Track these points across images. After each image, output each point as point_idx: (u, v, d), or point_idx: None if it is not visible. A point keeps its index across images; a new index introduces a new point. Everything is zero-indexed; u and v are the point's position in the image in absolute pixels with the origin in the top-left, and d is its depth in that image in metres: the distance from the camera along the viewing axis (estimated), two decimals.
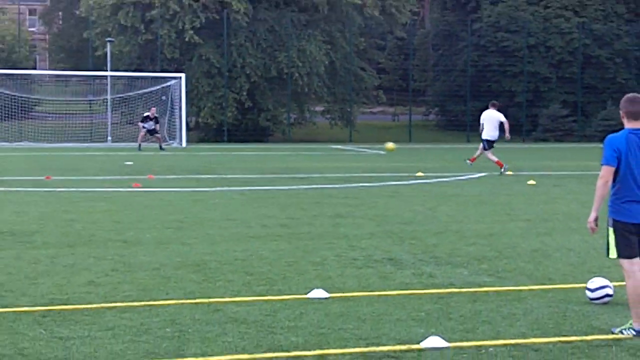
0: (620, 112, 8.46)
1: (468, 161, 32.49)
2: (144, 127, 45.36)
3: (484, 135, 30.80)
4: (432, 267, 11.93)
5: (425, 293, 10.26)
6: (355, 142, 55.24)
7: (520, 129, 61.80)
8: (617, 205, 8.33)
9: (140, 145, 44.97)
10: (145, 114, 45.70)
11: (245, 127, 55.98)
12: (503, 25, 64.16)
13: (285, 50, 55.00)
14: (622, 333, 8.24)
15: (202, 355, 7.51)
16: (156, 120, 45.93)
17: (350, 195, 21.79)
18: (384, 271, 11.62)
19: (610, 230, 8.41)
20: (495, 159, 30.48)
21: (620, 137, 8.29)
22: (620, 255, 8.36)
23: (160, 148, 45.02)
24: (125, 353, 7.57)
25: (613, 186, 8.34)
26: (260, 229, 15.43)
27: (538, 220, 17.26)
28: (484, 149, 30.80)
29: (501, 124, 31.12)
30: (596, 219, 8.49)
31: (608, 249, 8.49)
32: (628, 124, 8.34)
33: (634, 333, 8.17)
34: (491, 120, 31.06)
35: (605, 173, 8.30)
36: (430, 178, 27.27)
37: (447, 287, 10.59)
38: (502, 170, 29.65)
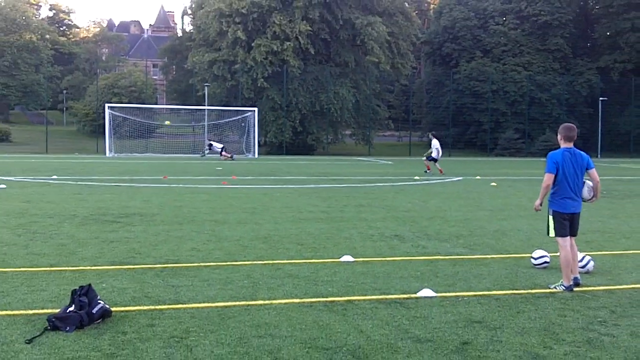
0: (558, 135, 8.54)
1: (438, 169, 32.28)
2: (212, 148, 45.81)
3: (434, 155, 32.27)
4: (425, 241, 11.85)
5: (420, 259, 10.19)
6: (372, 155, 55.06)
7: (485, 147, 61.50)
8: (556, 200, 8.42)
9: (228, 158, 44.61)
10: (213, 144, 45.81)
11: (298, 145, 55.97)
12: (475, 76, 63.88)
13: (325, 92, 54.94)
14: (555, 288, 8.21)
15: (269, 299, 7.53)
16: (210, 146, 46.11)
17: (369, 191, 21.71)
18: (392, 244, 11.56)
19: (551, 217, 8.43)
20: (427, 163, 32.43)
21: (558, 153, 8.33)
22: (557, 234, 8.36)
23: (232, 158, 44.45)
24: (216, 296, 7.60)
25: (553, 187, 8.37)
26: (308, 214, 15.39)
27: (498, 210, 17.09)
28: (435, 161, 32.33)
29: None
30: (540, 204, 8.63)
31: (548, 230, 8.58)
32: (564, 145, 8.39)
33: (564, 288, 8.18)
34: (435, 144, 32.19)
35: (547, 178, 8.41)
36: (424, 180, 27.10)
37: (435, 255, 10.52)
38: (426, 171, 31.97)
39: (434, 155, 32.12)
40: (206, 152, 47.00)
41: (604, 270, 9.59)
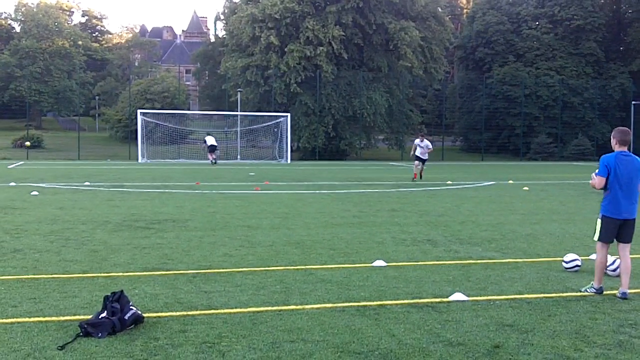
0: (613, 140, 8.39)
1: (418, 177, 29.58)
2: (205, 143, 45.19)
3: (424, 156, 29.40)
4: (457, 246, 11.83)
5: (452, 263, 10.18)
6: (405, 160, 54.92)
7: (518, 151, 61.02)
8: (608, 205, 8.30)
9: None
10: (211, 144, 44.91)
11: (331, 150, 55.94)
12: (507, 80, 63.45)
13: (358, 98, 54.87)
14: (586, 291, 8.15)
15: (301, 304, 7.57)
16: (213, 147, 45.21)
17: (402, 196, 21.68)
18: (424, 248, 11.55)
19: (599, 221, 8.33)
20: (416, 171, 29.66)
21: (611, 156, 8.28)
22: (600, 239, 8.34)
23: (213, 162, 44.18)
24: (248, 302, 7.66)
25: (605, 191, 8.27)
26: (340, 219, 15.41)
27: (530, 214, 16.98)
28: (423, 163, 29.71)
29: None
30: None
31: (594, 233, 8.45)
32: (618, 148, 8.31)
33: (594, 290, 8.10)
34: (424, 145, 29.26)
35: (599, 182, 8.32)
36: (456, 185, 26.99)
37: (467, 259, 10.50)
38: (414, 179, 29.14)
39: (424, 155, 29.27)
40: (202, 145, 46.42)
41: (637, 272, 9.50)
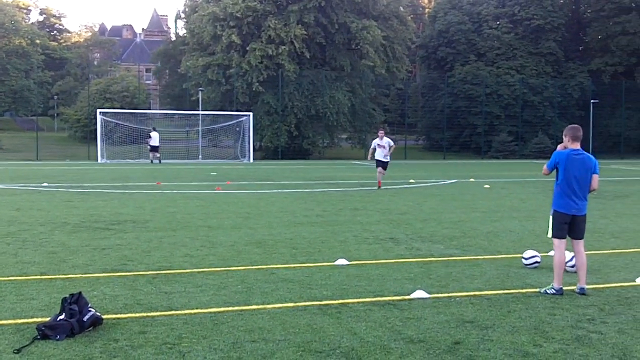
0: (565, 137, 8.48)
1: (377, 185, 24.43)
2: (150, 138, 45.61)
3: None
4: (419, 243, 11.91)
5: (414, 261, 10.25)
6: (368, 159, 55.13)
7: (479, 150, 61.62)
8: (558, 200, 8.40)
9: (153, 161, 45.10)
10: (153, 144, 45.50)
11: (294, 149, 55.91)
12: (469, 79, 64.01)
13: (321, 97, 54.91)
14: (546, 292, 8.23)
15: (263, 304, 7.57)
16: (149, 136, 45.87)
17: (364, 195, 21.76)
18: (387, 246, 11.61)
19: (551, 217, 8.43)
20: (380, 178, 24.47)
21: (563, 153, 8.39)
22: (553, 235, 8.45)
23: (158, 162, 44.76)
24: (209, 302, 7.64)
25: (556, 187, 8.36)
26: (303, 218, 15.43)
27: (491, 211, 17.16)
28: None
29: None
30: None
31: (548, 230, 8.54)
32: (571, 145, 8.41)
33: (554, 291, 8.20)
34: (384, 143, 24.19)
35: (544, 170, 8.60)
36: (419, 183, 27.16)
37: (428, 257, 10.58)
38: (379, 188, 23.92)
39: (386, 157, 24.27)
40: (148, 140, 46.46)
41: (594, 269, 9.67)
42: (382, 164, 24.28)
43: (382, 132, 24.81)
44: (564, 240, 8.37)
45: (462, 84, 63.91)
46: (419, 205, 18.40)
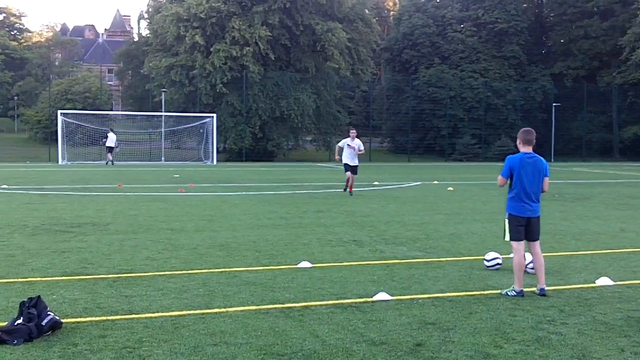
0: (518, 140, 8.63)
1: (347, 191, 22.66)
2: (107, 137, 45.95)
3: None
4: (382, 246, 11.97)
5: (377, 263, 10.29)
6: (333, 161, 55.21)
7: (444, 152, 62.09)
8: (512, 203, 8.50)
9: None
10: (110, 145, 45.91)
11: (258, 151, 55.80)
12: (433, 82, 64.45)
13: (285, 98, 54.93)
14: (507, 294, 8.30)
15: (225, 307, 7.54)
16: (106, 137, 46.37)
17: (329, 197, 21.79)
18: (350, 248, 11.64)
19: (506, 220, 8.50)
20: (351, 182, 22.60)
21: (516, 158, 8.48)
22: (511, 238, 8.51)
23: (111, 163, 44.98)
24: (170, 306, 7.59)
25: (510, 190, 8.47)
26: (266, 221, 15.41)
27: (454, 213, 17.30)
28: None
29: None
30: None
31: (504, 234, 8.61)
32: (523, 148, 8.52)
33: (515, 293, 8.30)
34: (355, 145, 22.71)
35: (500, 181, 8.56)
36: (383, 185, 27.29)
37: (392, 259, 10.63)
38: (349, 192, 22.40)
39: (355, 161, 22.76)
40: (104, 141, 46.71)
41: (554, 270, 9.80)
42: (352, 169, 22.44)
43: (354, 132, 22.96)
44: (522, 242, 8.47)
45: (426, 86, 64.35)
46: (382, 208, 18.48)
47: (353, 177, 22.51)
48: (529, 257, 9.35)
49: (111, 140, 45.70)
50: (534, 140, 8.53)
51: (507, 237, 8.51)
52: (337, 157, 23.46)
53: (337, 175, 33.58)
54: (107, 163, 44.94)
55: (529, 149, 8.49)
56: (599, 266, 10.24)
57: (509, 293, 8.32)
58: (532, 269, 9.30)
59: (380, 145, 70.75)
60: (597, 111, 65.61)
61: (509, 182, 8.49)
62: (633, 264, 10.44)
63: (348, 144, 22.59)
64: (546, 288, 8.41)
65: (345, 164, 22.57)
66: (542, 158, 8.55)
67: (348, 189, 22.52)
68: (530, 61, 68.36)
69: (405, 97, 64.74)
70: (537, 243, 8.59)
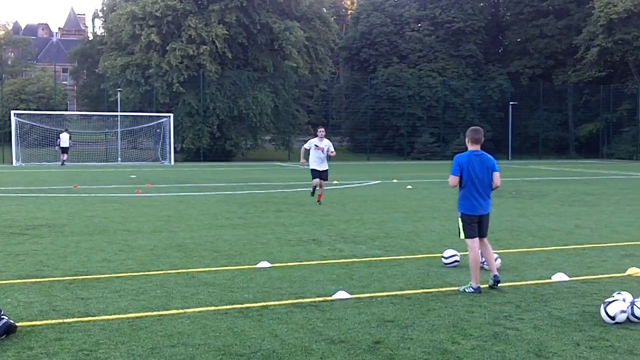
0: (466, 138, 8.78)
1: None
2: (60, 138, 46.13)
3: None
4: (341, 244, 12.01)
5: (336, 262, 10.33)
6: (292, 160, 55.25)
7: (402, 151, 62.36)
8: (464, 202, 8.65)
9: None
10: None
11: (216, 151, 55.52)
12: (392, 81, 64.69)
13: (243, 97, 54.70)
14: (464, 291, 8.41)
15: (182, 308, 7.52)
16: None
17: (288, 196, 21.81)
18: (309, 248, 11.67)
19: (460, 219, 8.61)
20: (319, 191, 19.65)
21: (464, 156, 8.63)
22: (466, 236, 8.63)
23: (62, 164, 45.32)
24: (128, 307, 7.55)
25: (460, 189, 8.59)
26: (225, 221, 15.37)
27: (412, 211, 17.43)
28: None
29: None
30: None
31: (459, 232, 8.72)
32: (471, 147, 8.65)
33: (472, 290, 8.41)
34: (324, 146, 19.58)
35: (452, 180, 8.69)
36: (343, 184, 27.36)
37: (351, 258, 10.69)
38: (318, 201, 19.40)
39: (324, 165, 19.58)
40: (57, 141, 46.77)
41: (511, 267, 9.95)
42: (320, 174, 19.26)
43: (323, 131, 19.81)
44: (476, 239, 8.62)
45: (385, 85, 64.60)
46: (342, 207, 18.54)
47: (322, 183, 19.42)
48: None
49: (64, 140, 45.36)
50: (482, 139, 8.71)
51: (462, 236, 8.64)
52: (302, 160, 20.36)
53: (296, 175, 33.62)
54: (62, 164, 44.57)
55: (477, 147, 8.66)
56: (555, 262, 10.40)
57: (466, 290, 8.44)
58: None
59: (340, 144, 70.83)
60: (553, 109, 66.50)
61: (459, 181, 8.62)
62: (588, 260, 10.63)
63: (316, 145, 19.29)
64: (502, 284, 8.58)
65: (313, 170, 19.24)
66: (489, 155, 8.74)
67: (317, 198, 19.46)
68: (487, 60, 69.05)
69: (364, 96, 64.94)
70: (485, 237, 8.81)
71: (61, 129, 48.24)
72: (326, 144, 19.48)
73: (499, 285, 8.54)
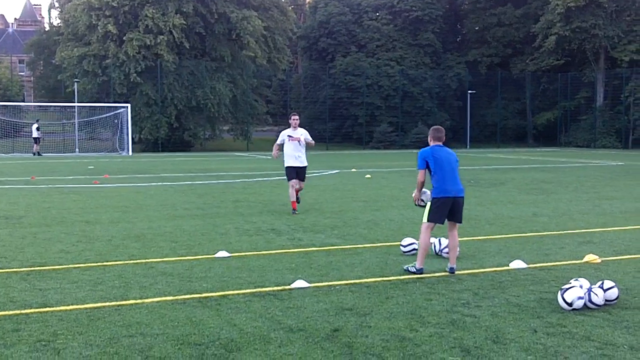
0: (429, 137, 9.09)
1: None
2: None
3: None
4: (300, 234, 12.03)
5: (295, 251, 10.35)
6: (250, 150, 55.11)
7: (361, 140, 62.57)
8: (438, 187, 8.86)
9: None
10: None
11: (174, 141, 55.20)
12: (350, 70, 64.81)
13: (201, 88, 54.41)
14: (408, 270, 8.62)
15: (140, 298, 7.48)
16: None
17: (247, 186, 21.75)
18: (268, 237, 11.67)
19: (429, 203, 8.91)
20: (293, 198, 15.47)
21: (427, 149, 8.94)
22: (429, 219, 8.84)
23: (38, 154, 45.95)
24: (86, 298, 7.49)
25: (433, 178, 8.83)
26: (183, 211, 15.30)
27: (372, 201, 17.52)
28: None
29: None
30: (419, 198, 9.13)
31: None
32: (433, 144, 8.96)
33: (415, 269, 8.67)
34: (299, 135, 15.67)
35: (420, 175, 8.94)
36: None
37: (310, 247, 10.71)
38: (294, 211, 15.10)
39: (301, 159, 15.63)
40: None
41: (469, 254, 10.05)
42: (297, 172, 15.47)
43: (297, 117, 15.81)
44: (434, 226, 8.84)
45: (343, 75, 64.67)
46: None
47: (300, 184, 15.61)
48: (444, 242, 9.68)
49: (33, 130, 46.44)
50: (444, 138, 9.06)
51: (426, 219, 8.85)
52: (275, 153, 15.94)
53: (254, 165, 33.55)
54: (35, 154, 45.50)
55: (439, 144, 9.00)
56: (512, 250, 10.52)
57: (409, 269, 8.70)
58: (448, 253, 9.59)
59: None
60: (511, 98, 67.13)
61: (428, 171, 8.84)
62: (545, 247, 10.77)
63: (289, 136, 15.53)
64: (458, 271, 8.74)
65: (288, 168, 15.43)
66: (451, 150, 9.09)
67: (292, 206, 15.28)
68: (446, 49, 69.44)
69: (322, 86, 64.98)
70: (457, 226, 8.98)
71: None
72: (301, 133, 15.61)
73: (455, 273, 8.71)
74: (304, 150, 15.58)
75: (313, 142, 16.04)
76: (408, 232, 11.91)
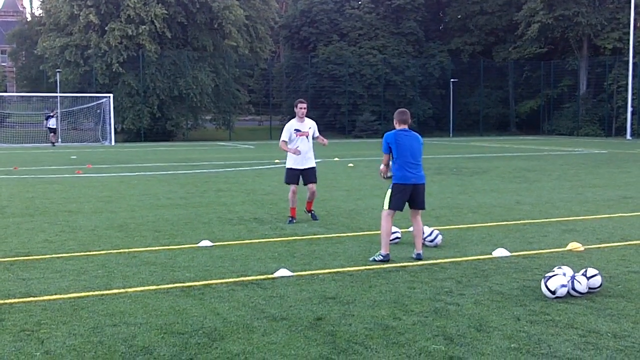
0: (394, 120, 9.26)
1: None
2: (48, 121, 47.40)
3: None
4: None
5: (278, 240, 10.36)
6: (233, 140, 55.00)
7: (344, 129, 62.55)
8: (397, 173, 8.99)
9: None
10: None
11: (157, 131, 54.93)
12: (332, 59, 64.60)
13: (183, 77, 54.17)
14: (374, 260, 8.81)
15: (124, 288, 7.47)
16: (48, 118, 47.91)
17: (229, 176, 21.72)
18: (251, 227, 11.68)
19: (389, 190, 9.06)
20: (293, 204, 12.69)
21: (391, 133, 9.11)
22: (390, 206, 9.00)
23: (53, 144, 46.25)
24: (69, 288, 7.47)
25: (394, 163, 8.90)
26: (166, 201, 15.27)
27: (354, 190, 17.57)
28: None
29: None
30: (385, 172, 9.24)
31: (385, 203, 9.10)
32: (399, 127, 9.16)
33: (382, 257, 8.78)
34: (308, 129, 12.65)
35: (384, 158, 9.18)
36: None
37: (292, 236, 10.73)
38: (291, 219, 12.35)
39: (309, 158, 12.81)
40: (45, 124, 47.73)
41: (452, 243, 10.09)
42: (303, 175, 12.69)
43: (304, 105, 12.46)
44: (395, 212, 8.99)
45: (325, 64, 64.50)
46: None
47: (312, 187, 12.70)
48: (427, 230, 9.76)
49: (52, 122, 47.35)
50: (409, 120, 9.21)
51: (386, 206, 8.97)
52: (284, 147, 12.58)
53: (236, 154, 33.48)
54: (53, 143, 46.21)
55: (404, 127, 9.14)
56: (496, 238, 10.57)
57: (375, 258, 8.79)
58: (431, 242, 9.68)
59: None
60: (494, 86, 67.15)
61: (391, 157, 9.01)
62: (528, 235, 10.81)
63: (297, 130, 12.48)
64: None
65: (290, 170, 12.68)
66: (417, 134, 9.20)
67: (290, 214, 12.46)
68: (428, 37, 69.34)
69: (304, 75, 64.85)
70: (420, 212, 9.14)
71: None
72: (310, 125, 12.61)
73: (421, 261, 8.82)
74: (311, 147, 12.65)
75: (325, 141, 13.16)
76: None
